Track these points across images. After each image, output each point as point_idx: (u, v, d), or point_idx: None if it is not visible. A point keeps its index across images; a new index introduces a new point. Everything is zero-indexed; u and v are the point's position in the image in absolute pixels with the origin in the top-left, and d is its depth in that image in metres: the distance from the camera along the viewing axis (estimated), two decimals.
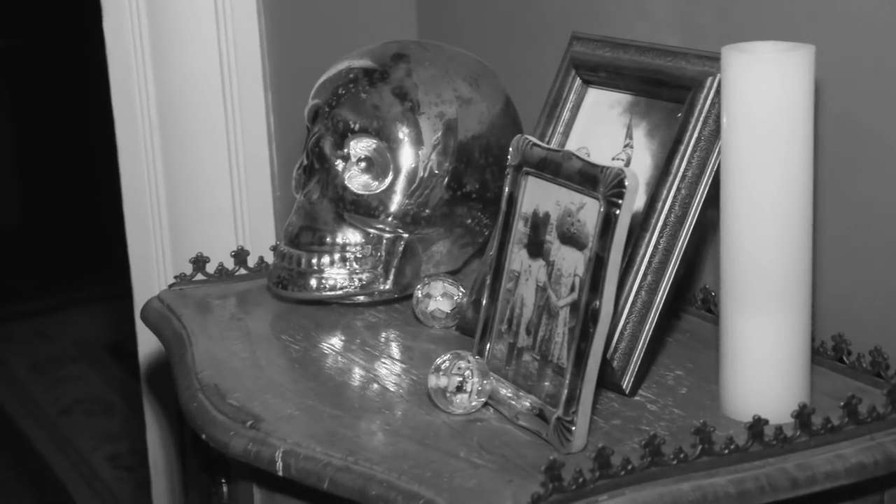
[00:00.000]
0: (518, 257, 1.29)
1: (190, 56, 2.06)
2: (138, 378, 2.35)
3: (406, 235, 1.53)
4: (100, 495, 3.45)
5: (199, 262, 1.64)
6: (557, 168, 1.24)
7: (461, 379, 1.26)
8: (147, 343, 2.17)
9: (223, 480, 1.40)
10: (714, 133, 1.29)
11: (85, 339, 4.54)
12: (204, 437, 1.29)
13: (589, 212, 1.20)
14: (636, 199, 1.20)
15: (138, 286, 2.17)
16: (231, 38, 2.03)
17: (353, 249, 1.52)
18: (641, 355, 1.30)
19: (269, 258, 1.63)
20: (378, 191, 1.52)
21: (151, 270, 2.13)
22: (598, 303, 1.16)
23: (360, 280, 1.52)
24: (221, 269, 1.65)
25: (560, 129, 1.46)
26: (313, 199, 1.54)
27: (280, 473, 1.21)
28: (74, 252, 5.03)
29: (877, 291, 1.35)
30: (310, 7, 2.05)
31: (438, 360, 1.27)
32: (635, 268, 1.30)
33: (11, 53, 5.16)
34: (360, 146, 1.52)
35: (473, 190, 1.54)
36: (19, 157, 5.27)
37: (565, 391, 1.19)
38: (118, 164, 2.15)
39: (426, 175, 1.51)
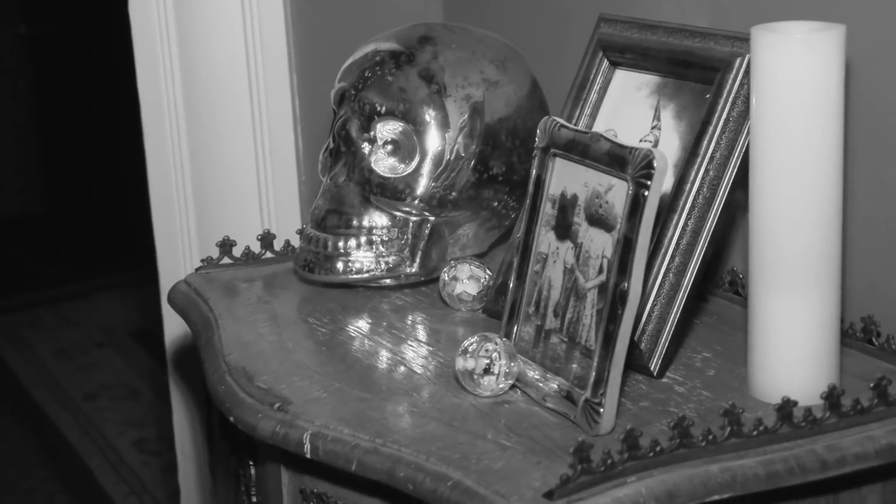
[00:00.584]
0: (546, 239, 1.29)
1: (215, 40, 2.06)
2: (164, 363, 2.36)
3: (432, 218, 1.53)
4: (126, 480, 3.46)
5: (226, 245, 1.64)
6: (585, 150, 1.24)
7: (488, 361, 1.26)
8: (173, 327, 2.18)
9: (251, 463, 1.40)
10: (743, 114, 1.29)
11: (110, 324, 4.55)
12: (232, 419, 1.30)
13: (617, 193, 1.19)
14: (664, 181, 1.20)
15: (164, 271, 2.18)
16: (256, 20, 2.03)
17: (380, 232, 1.52)
18: (669, 337, 1.30)
19: (296, 242, 1.63)
20: (404, 174, 1.52)
21: (178, 255, 2.13)
22: (626, 284, 1.16)
23: (386, 263, 1.52)
24: (248, 253, 1.66)
25: (587, 110, 1.46)
26: (339, 182, 1.54)
27: (308, 455, 1.22)
28: (100, 239, 5.04)
29: None
30: None
31: (466, 343, 1.27)
32: (663, 249, 1.30)
33: (35, 41, 5.17)
34: (387, 129, 1.52)
35: (500, 173, 1.54)
36: (44, 144, 5.28)
37: (593, 373, 1.18)
38: (144, 149, 2.16)
39: (452, 158, 1.51)
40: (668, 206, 1.31)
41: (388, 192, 1.52)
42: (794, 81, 1.16)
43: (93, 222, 5.14)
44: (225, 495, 1.53)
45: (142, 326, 4.42)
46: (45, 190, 5.36)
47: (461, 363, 1.27)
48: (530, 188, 1.31)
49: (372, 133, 1.52)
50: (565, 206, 1.26)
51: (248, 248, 1.66)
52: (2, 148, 5.45)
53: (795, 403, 1.17)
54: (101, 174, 4.97)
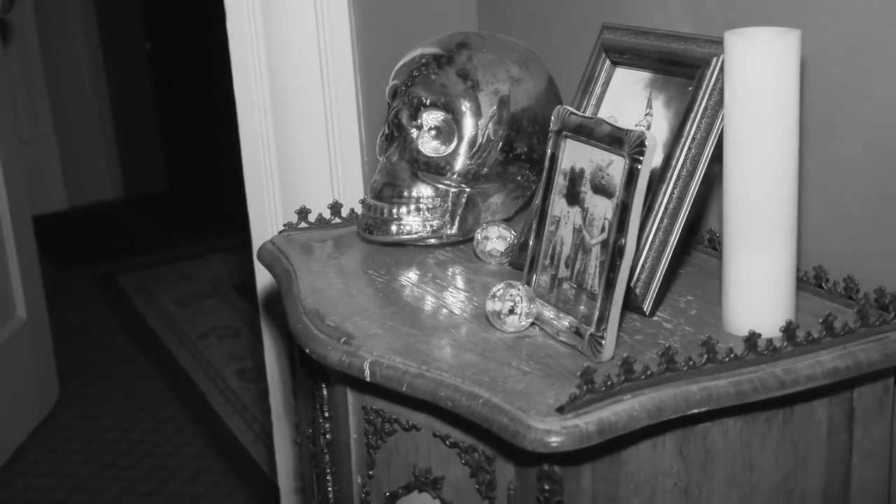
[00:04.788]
0: (559, 205, 1.28)
1: (295, 50, 2.06)
2: (258, 309, 2.36)
3: (468, 190, 1.52)
4: (230, 402, 3.49)
5: (303, 213, 1.64)
6: (590, 132, 1.23)
7: (512, 304, 1.26)
8: (263, 280, 2.19)
9: (323, 386, 1.40)
10: (718, 103, 1.28)
11: (217, 279, 4.58)
12: (308, 351, 1.30)
13: (616, 167, 1.19)
14: (654, 157, 1.20)
15: (256, 234, 2.18)
16: (327, 34, 2.03)
17: (426, 201, 1.52)
18: (659, 283, 1.29)
19: (359, 209, 1.63)
20: (445, 154, 1.51)
21: (266, 221, 2.14)
22: (623, 241, 1.16)
23: (431, 226, 1.52)
24: (320, 219, 1.65)
25: (593, 101, 1.45)
26: (393, 160, 1.54)
27: (368, 379, 1.22)
28: (209, 211, 5.07)
29: (850, 231, 1.33)
30: (390, 7, 2.05)
31: (494, 289, 1.27)
32: (654, 212, 1.29)
33: (157, 54, 5.20)
34: (431, 118, 1.51)
35: (523, 152, 1.53)
36: (164, 136, 5.32)
37: (597, 313, 1.18)
38: (239, 137, 2.16)
39: (484, 141, 1.50)
40: (657, 178, 1.30)
41: (433, 169, 1.51)
42: (759, 75, 1.16)
43: (203, 198, 5.17)
44: (305, 412, 1.54)
45: (241, 280, 4.45)
46: (165, 172, 5.40)
47: (490, 305, 1.27)
48: (546, 164, 1.31)
49: (419, 121, 1.52)
50: (574, 178, 1.26)
51: (320, 214, 1.66)
52: (131, 140, 5.49)
53: (759, 336, 1.17)
54: (208, 159, 5.00)
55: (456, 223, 1.52)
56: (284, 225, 1.65)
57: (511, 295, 1.26)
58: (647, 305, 1.29)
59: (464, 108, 1.50)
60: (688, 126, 1.29)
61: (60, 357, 3.65)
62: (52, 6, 5.26)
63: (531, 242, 1.32)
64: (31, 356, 3.37)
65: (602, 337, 1.17)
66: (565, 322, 1.23)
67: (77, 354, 3.87)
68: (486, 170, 1.52)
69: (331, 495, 1.45)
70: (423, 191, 1.52)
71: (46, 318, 3.49)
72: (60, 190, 5.47)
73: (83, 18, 5.37)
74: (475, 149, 1.51)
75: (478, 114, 1.50)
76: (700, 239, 1.51)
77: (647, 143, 1.15)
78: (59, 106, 5.40)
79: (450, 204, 1.52)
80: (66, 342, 3.87)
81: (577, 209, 1.25)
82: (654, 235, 1.29)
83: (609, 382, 1.09)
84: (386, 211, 1.53)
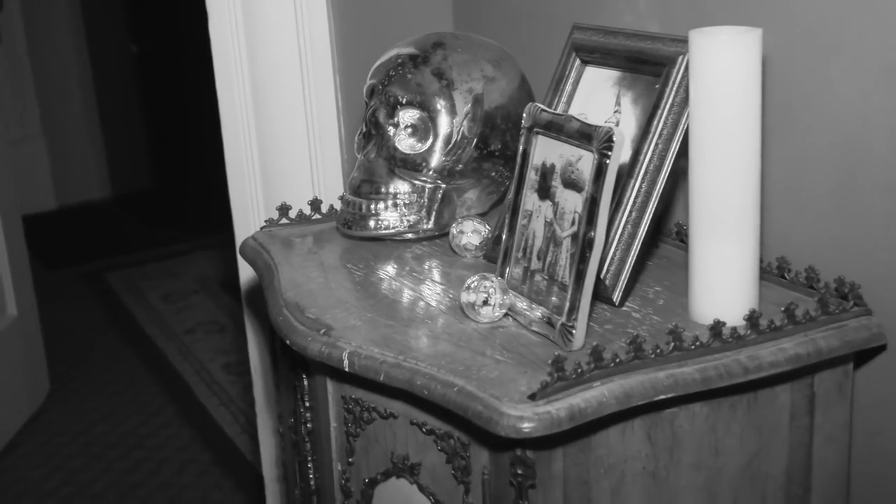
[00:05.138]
0: (530, 199, 1.29)
1: (276, 50, 2.05)
2: (241, 303, 2.37)
3: (444, 186, 1.53)
4: (216, 395, 3.49)
5: (284, 209, 1.64)
6: (561, 128, 1.23)
7: (486, 295, 1.26)
8: (246, 276, 2.18)
9: (304, 376, 1.41)
10: (684, 100, 1.28)
11: (203, 276, 4.58)
12: (288, 342, 1.30)
13: (585, 162, 1.19)
14: (623, 152, 1.21)
15: (239, 230, 2.18)
16: (307, 35, 2.02)
17: (403, 197, 1.52)
18: (628, 275, 1.30)
19: (338, 205, 1.63)
20: (421, 151, 1.51)
21: (249, 218, 2.14)
22: (593, 233, 1.16)
23: (408, 221, 1.52)
24: (301, 215, 1.66)
25: (563, 98, 1.45)
26: (371, 158, 1.54)
27: (346, 369, 1.22)
28: (194, 210, 5.06)
29: (811, 223, 1.34)
30: (368, 9, 2.05)
31: (469, 281, 1.28)
32: (623, 206, 1.29)
33: (142, 56, 5.18)
34: (407, 116, 1.52)
35: (497, 149, 1.53)
36: (149, 137, 5.30)
37: (567, 303, 1.19)
38: (222, 137, 2.16)
39: (459, 138, 1.51)
40: (626, 172, 1.30)
41: (409, 166, 1.52)
42: (723, 73, 1.16)
43: (189, 196, 5.16)
44: (287, 402, 1.54)
45: (226, 277, 4.44)
46: (152, 171, 5.38)
47: (465, 297, 1.27)
48: (518, 160, 1.31)
49: (396, 119, 1.52)
50: (545, 173, 1.26)
51: (301, 211, 1.66)
52: (118, 140, 5.47)
53: (724, 324, 1.17)
54: (193, 158, 4.99)
55: (432, 218, 1.53)
56: (266, 221, 1.65)
57: (485, 287, 1.26)
58: (616, 296, 1.29)
59: (439, 107, 1.50)
60: (655, 122, 1.30)
61: (51, 353, 3.65)
62: (39, 9, 5.24)
63: (504, 236, 1.33)
64: (22, 352, 3.36)
65: (573, 326, 1.17)
66: (537, 312, 1.24)
67: (67, 350, 3.86)
68: (461, 166, 1.52)
69: (312, 482, 1.46)
70: (400, 187, 1.52)
71: (37, 316, 3.48)
72: (49, 190, 5.45)
73: (70, 21, 5.34)
74: (450, 146, 1.51)
75: (453, 112, 1.50)
76: (667, 231, 1.51)
77: (615, 139, 1.15)
78: (48, 107, 5.38)
79: (426, 199, 1.53)
80: (56, 338, 3.86)
81: (548, 203, 1.25)
82: (623, 228, 1.29)
83: (579, 370, 1.09)
84: (364, 207, 1.53)
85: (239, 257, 1.94)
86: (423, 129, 1.51)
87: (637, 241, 1.30)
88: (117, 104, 5.40)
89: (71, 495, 2.97)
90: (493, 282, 1.27)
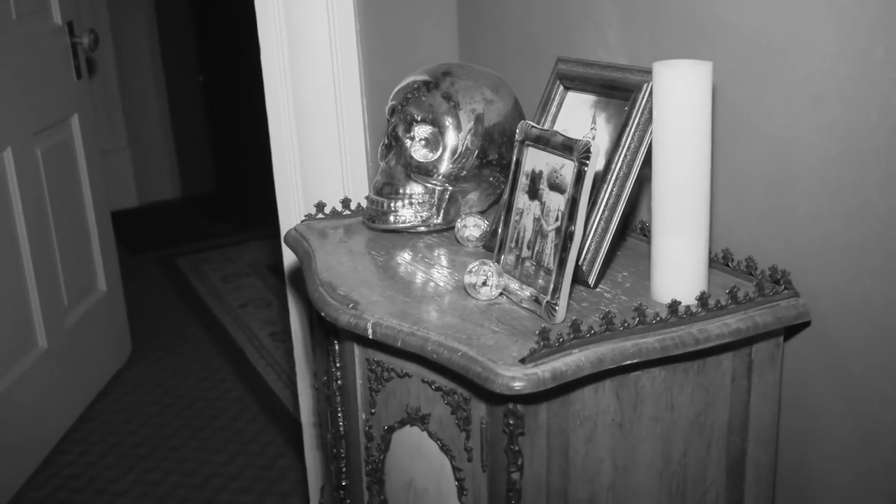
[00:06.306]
0: (522, 199, 1.26)
1: (314, 77, 2.03)
2: (285, 284, 2.34)
3: (451, 188, 1.50)
4: (264, 357, 3.47)
5: (320, 206, 1.62)
6: (547, 141, 1.21)
7: (485, 277, 1.24)
8: (289, 261, 2.16)
9: (335, 342, 1.38)
10: (648, 120, 1.26)
11: (254, 261, 4.55)
12: (323, 314, 1.28)
13: (567, 169, 1.17)
14: (597, 161, 1.18)
15: (283, 223, 2.16)
16: (340, 65, 2.00)
17: (417, 197, 1.49)
18: (601, 262, 1.27)
19: (364, 203, 1.60)
20: (433, 159, 1.49)
21: (291, 213, 2.11)
22: (573, 228, 1.14)
23: (421, 217, 1.49)
24: (334, 211, 1.63)
25: (549, 118, 1.42)
26: (391, 165, 1.51)
27: (370, 337, 1.20)
28: (248, 207, 5.04)
29: (750, 221, 1.32)
30: (389, 44, 2.02)
31: (470, 266, 1.25)
32: (597, 206, 1.27)
33: (207, 85, 5.16)
34: (421, 131, 1.49)
35: (494, 159, 1.50)
36: (213, 149, 5.28)
37: (552, 285, 1.16)
38: (270, 148, 2.13)
39: (463, 150, 1.48)
40: (600, 178, 1.27)
41: (422, 171, 1.49)
42: (680, 98, 1.14)
43: (243, 197, 5.14)
44: (321, 364, 1.52)
45: (273, 262, 4.43)
46: (214, 176, 5.36)
47: (467, 279, 1.25)
48: (512, 167, 1.28)
49: (412, 133, 1.49)
50: (534, 178, 1.23)
51: (334, 207, 1.63)
52: (187, 152, 5.45)
53: (679, 303, 1.15)
54: (247, 166, 4.96)
55: (441, 215, 1.50)
56: (305, 216, 1.63)
57: (484, 271, 1.24)
58: (591, 279, 1.27)
59: (447, 123, 1.47)
60: (624, 138, 1.27)
61: (132, 321, 3.64)
62: (127, 46, 5.23)
63: (500, 230, 1.30)
64: (110, 321, 3.34)
65: (556, 304, 1.15)
66: (527, 292, 1.21)
67: (145, 319, 3.84)
68: (465, 172, 1.49)
69: (341, 428, 1.43)
70: (415, 189, 1.50)
71: (121, 291, 3.46)
72: (132, 191, 5.44)
73: (151, 56, 5.34)
74: (456, 156, 1.48)
75: (458, 128, 1.47)
76: (634, 227, 1.49)
77: (591, 151, 1.13)
78: (132, 125, 5.37)
79: (436, 199, 1.50)
80: (137, 310, 3.85)
81: (536, 203, 1.23)
82: (598, 224, 1.27)
83: (561, 340, 1.07)
84: (385, 205, 1.50)
85: (283, 245, 1.91)
86: (435, 142, 1.48)
87: (609, 234, 1.27)
88: (187, 122, 5.38)
89: (148, 435, 2.95)
90: (490, 267, 1.24)
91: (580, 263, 1.25)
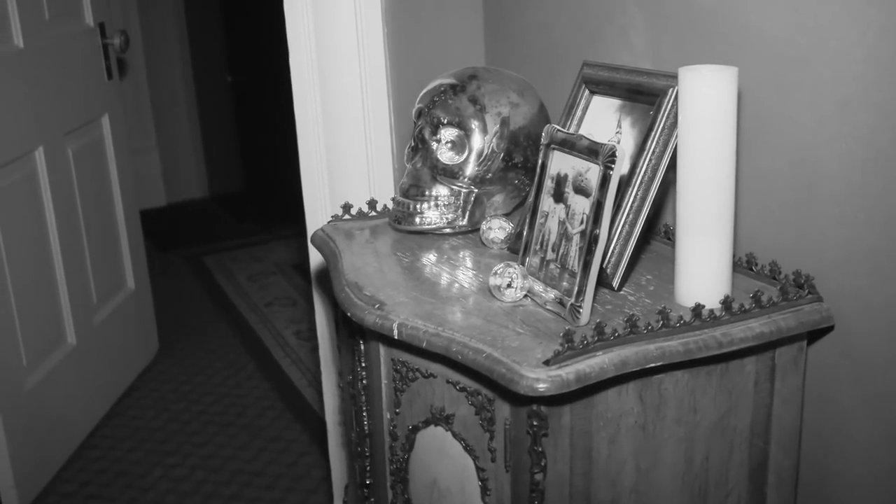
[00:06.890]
0: (547, 202, 1.26)
1: (342, 80, 2.04)
2: (311, 283, 2.35)
3: (476, 190, 1.50)
4: (289, 355, 3.48)
5: (347, 207, 1.63)
6: (573, 145, 1.21)
7: (510, 279, 1.24)
8: (315, 260, 2.17)
9: (361, 342, 1.39)
10: (674, 124, 1.26)
11: (281, 260, 4.57)
12: (349, 314, 1.29)
13: (593, 173, 1.17)
14: (623, 165, 1.18)
15: (310, 224, 2.17)
16: (367, 68, 2.00)
17: (443, 199, 1.50)
18: (625, 265, 1.27)
19: (390, 205, 1.61)
20: (458, 162, 1.49)
21: (318, 214, 2.12)
22: (598, 231, 1.14)
23: (446, 219, 1.50)
24: (360, 212, 1.64)
25: (575, 121, 1.42)
26: (418, 167, 1.52)
27: (395, 337, 1.21)
28: (275, 207, 5.06)
29: (774, 226, 1.31)
30: (416, 47, 2.03)
31: (495, 268, 1.26)
32: (622, 209, 1.27)
33: (235, 85, 5.19)
34: (448, 133, 1.49)
35: (520, 162, 1.51)
36: (241, 149, 5.31)
37: (576, 287, 1.17)
38: (298, 149, 2.15)
39: (489, 152, 1.48)
40: (625, 182, 1.28)
41: (448, 174, 1.49)
42: (705, 102, 1.14)
43: (270, 197, 5.16)
44: (346, 363, 1.53)
45: (299, 262, 4.44)
46: (241, 176, 5.39)
47: (492, 281, 1.25)
48: (538, 170, 1.29)
49: (438, 136, 1.50)
50: (560, 181, 1.24)
51: (360, 209, 1.64)
52: (216, 152, 5.49)
53: (703, 307, 1.15)
54: (274, 166, 4.98)
55: (466, 216, 1.51)
56: (332, 217, 1.64)
57: (509, 273, 1.24)
58: (615, 282, 1.27)
59: (473, 126, 1.48)
60: (649, 142, 1.27)
61: (160, 319, 3.66)
62: (157, 47, 5.27)
63: (525, 232, 1.31)
64: (138, 318, 3.37)
65: (580, 306, 1.15)
66: (551, 294, 1.21)
67: (172, 317, 3.87)
68: (490, 175, 1.50)
69: (366, 427, 1.44)
70: (441, 191, 1.50)
71: (149, 288, 3.49)
72: (161, 190, 5.48)
73: (180, 58, 5.37)
74: (482, 158, 1.49)
75: (484, 131, 1.48)
76: (658, 231, 1.49)
77: (617, 154, 1.13)
78: (161, 125, 5.41)
79: (461, 201, 1.50)
80: (164, 307, 3.87)
81: (561, 206, 1.23)
82: (622, 227, 1.27)
83: (585, 342, 1.07)
84: (411, 206, 1.51)
85: (310, 245, 1.92)
86: (461, 145, 1.49)
87: (633, 237, 1.27)
88: (216, 123, 5.41)
89: (174, 431, 2.97)
90: (515, 269, 1.24)
91: (604, 266, 1.26)
